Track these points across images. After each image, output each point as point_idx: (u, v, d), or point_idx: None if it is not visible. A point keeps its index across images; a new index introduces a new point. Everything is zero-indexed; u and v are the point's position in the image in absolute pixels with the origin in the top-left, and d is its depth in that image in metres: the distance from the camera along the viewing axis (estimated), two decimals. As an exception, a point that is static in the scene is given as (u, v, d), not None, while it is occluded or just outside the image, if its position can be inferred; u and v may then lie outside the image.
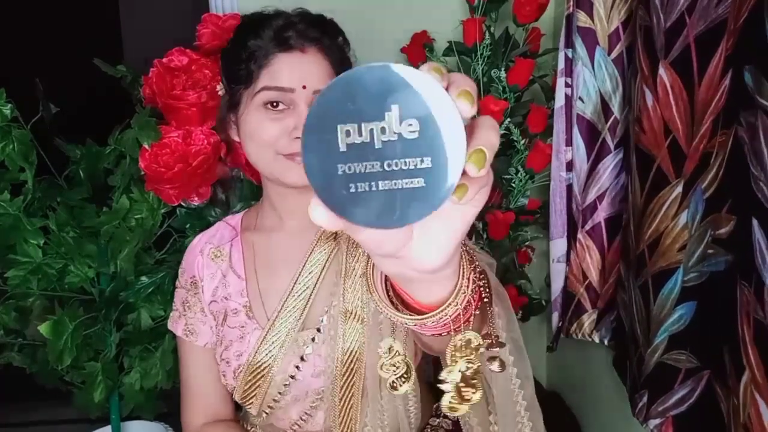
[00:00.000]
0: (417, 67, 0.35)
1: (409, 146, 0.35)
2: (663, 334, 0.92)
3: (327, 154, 0.35)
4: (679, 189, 0.88)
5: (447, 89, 0.35)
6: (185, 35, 1.30)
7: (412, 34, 1.43)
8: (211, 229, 1.07)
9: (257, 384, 0.94)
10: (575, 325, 1.25)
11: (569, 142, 1.19)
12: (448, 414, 0.49)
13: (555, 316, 1.29)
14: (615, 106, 1.12)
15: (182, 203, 1.20)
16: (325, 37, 0.89)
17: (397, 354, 0.53)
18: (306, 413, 0.96)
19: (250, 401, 0.96)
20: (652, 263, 0.93)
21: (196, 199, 1.19)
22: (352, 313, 0.90)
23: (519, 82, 1.33)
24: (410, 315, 0.48)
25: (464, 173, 0.35)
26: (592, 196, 1.17)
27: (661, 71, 0.88)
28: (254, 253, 1.00)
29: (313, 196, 0.36)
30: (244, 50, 0.88)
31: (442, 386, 0.47)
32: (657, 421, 0.94)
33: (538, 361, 1.66)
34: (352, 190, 0.35)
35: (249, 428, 1.08)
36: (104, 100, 1.69)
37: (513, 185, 1.38)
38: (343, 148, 0.35)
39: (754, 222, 0.72)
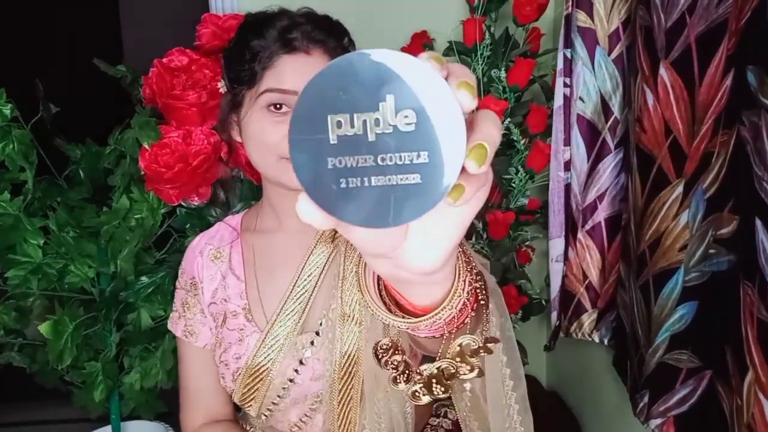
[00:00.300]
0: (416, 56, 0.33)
1: (404, 140, 0.32)
2: (664, 334, 0.92)
3: (317, 147, 0.32)
4: (680, 189, 0.88)
5: (446, 80, 0.33)
6: (185, 35, 1.30)
7: (412, 34, 1.43)
8: (211, 229, 1.06)
9: (256, 387, 0.94)
10: (575, 324, 1.25)
11: (567, 142, 1.19)
12: (411, 401, 0.48)
13: (554, 316, 1.29)
14: (615, 106, 1.12)
15: (182, 203, 1.20)
16: (331, 38, 0.87)
17: (395, 352, 0.50)
18: (306, 415, 0.95)
19: (249, 404, 0.95)
20: (652, 263, 0.93)
21: (196, 199, 1.19)
22: (349, 316, 0.90)
23: (519, 82, 1.33)
24: (403, 318, 0.45)
25: (463, 170, 0.32)
26: (592, 195, 1.17)
27: (662, 71, 0.88)
28: (254, 255, 0.99)
29: (302, 192, 0.33)
30: (248, 50, 0.86)
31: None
32: (658, 421, 0.94)
33: (538, 361, 1.66)
34: (343, 185, 0.33)
35: (249, 429, 1.08)
36: (104, 100, 1.69)
37: (513, 185, 1.38)
38: (333, 140, 0.32)
39: (758, 222, 0.72)
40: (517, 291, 1.41)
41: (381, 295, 0.48)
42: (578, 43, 1.13)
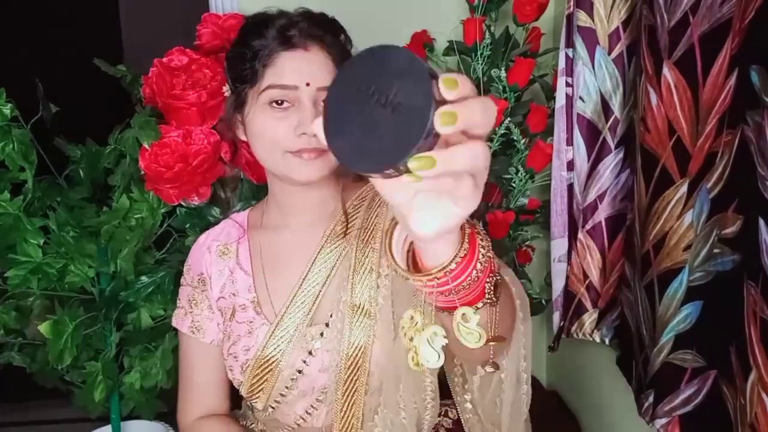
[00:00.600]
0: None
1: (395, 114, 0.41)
2: (669, 334, 0.91)
3: (345, 95, 0.43)
4: (684, 189, 0.88)
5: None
6: (185, 35, 1.30)
7: (412, 34, 1.43)
8: (216, 227, 1.08)
9: (264, 378, 0.95)
10: (576, 324, 1.25)
11: (570, 142, 1.19)
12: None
13: (556, 316, 1.29)
14: (615, 105, 1.12)
15: (182, 203, 1.20)
16: (328, 35, 0.91)
17: (417, 323, 0.56)
18: (312, 407, 0.96)
19: (257, 396, 0.96)
20: (657, 263, 0.93)
21: (196, 198, 1.19)
22: (359, 307, 0.91)
23: (519, 82, 1.33)
24: (417, 273, 0.54)
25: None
26: (592, 195, 1.17)
27: (665, 71, 0.88)
28: (261, 251, 1.01)
29: (317, 119, 0.44)
30: (249, 50, 0.90)
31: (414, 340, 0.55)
32: (663, 420, 0.94)
33: (538, 361, 1.66)
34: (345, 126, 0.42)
35: (249, 424, 1.08)
36: (104, 100, 1.69)
37: (513, 185, 1.37)
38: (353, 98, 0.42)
39: (761, 222, 0.72)
40: (518, 291, 1.41)
41: (407, 258, 0.57)
42: (578, 42, 1.13)
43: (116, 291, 1.21)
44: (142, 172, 1.16)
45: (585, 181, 1.18)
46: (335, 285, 0.94)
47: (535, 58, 1.36)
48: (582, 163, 1.18)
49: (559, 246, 1.25)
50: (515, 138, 1.34)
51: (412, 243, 0.57)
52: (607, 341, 1.21)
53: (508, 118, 1.33)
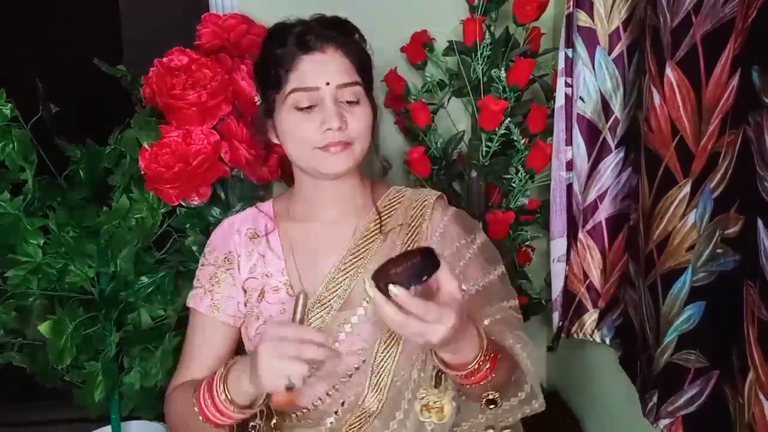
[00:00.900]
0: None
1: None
2: (672, 334, 0.91)
3: None
4: (687, 189, 0.88)
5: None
6: (185, 35, 1.30)
7: (412, 34, 1.43)
8: (242, 213, 1.10)
9: None
10: (576, 324, 1.25)
11: (569, 142, 1.19)
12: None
13: (555, 316, 1.29)
14: (616, 105, 1.12)
15: (182, 203, 1.20)
16: (341, 35, 0.97)
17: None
18: (335, 389, 0.99)
19: None
20: (660, 263, 0.93)
21: (196, 198, 1.19)
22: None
23: (519, 82, 1.33)
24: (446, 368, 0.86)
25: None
26: (592, 195, 1.17)
27: (668, 71, 0.88)
28: (290, 241, 1.05)
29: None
30: (273, 58, 0.97)
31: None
32: (667, 421, 0.94)
33: (539, 361, 1.66)
34: None
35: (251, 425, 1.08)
36: (104, 100, 1.69)
37: (513, 185, 1.38)
38: None
39: (759, 222, 0.72)
40: (517, 291, 1.41)
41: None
42: (578, 42, 1.13)
43: (116, 291, 1.22)
44: (142, 172, 1.16)
45: (585, 181, 1.18)
46: (370, 274, 0.98)
47: (535, 58, 1.36)
48: (582, 163, 1.18)
49: (558, 246, 1.25)
50: (515, 138, 1.34)
51: None
52: (607, 341, 1.21)
53: (508, 118, 1.33)
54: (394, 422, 0.96)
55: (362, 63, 0.98)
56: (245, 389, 0.88)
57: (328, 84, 0.94)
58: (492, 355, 0.86)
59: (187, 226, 1.25)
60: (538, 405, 0.96)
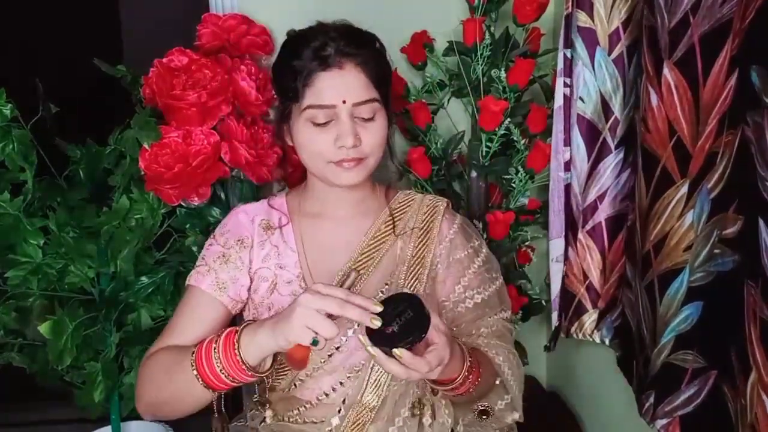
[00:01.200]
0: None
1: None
2: (669, 334, 0.91)
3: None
4: (685, 189, 0.88)
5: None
6: (185, 35, 1.30)
7: (412, 34, 1.43)
8: (255, 204, 1.09)
9: None
10: (576, 325, 1.25)
11: (567, 142, 1.19)
12: None
13: (554, 316, 1.29)
14: (615, 105, 1.12)
15: (182, 203, 1.20)
16: (361, 51, 0.96)
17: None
18: (340, 383, 0.99)
19: (287, 369, 0.99)
20: (657, 263, 0.93)
21: (196, 199, 1.20)
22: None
23: (519, 82, 1.33)
24: (440, 385, 0.93)
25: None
26: (592, 195, 1.17)
27: (666, 71, 0.88)
28: (303, 236, 1.05)
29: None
30: (289, 69, 0.97)
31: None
32: (664, 421, 0.94)
33: (538, 361, 1.66)
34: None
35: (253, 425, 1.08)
36: (104, 100, 1.69)
37: (513, 185, 1.38)
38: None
39: (761, 222, 0.72)
40: (517, 291, 1.41)
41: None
42: (578, 43, 1.13)
43: (116, 291, 1.22)
44: (142, 173, 1.16)
45: (585, 182, 1.18)
46: (381, 272, 1.02)
47: (534, 58, 1.36)
48: (582, 164, 1.18)
49: (556, 246, 1.26)
50: (515, 138, 1.34)
51: None
52: (607, 342, 1.21)
53: (508, 119, 1.33)
54: (395, 422, 0.98)
55: (380, 76, 0.97)
56: (259, 341, 0.85)
57: (344, 102, 0.94)
58: (474, 368, 0.92)
59: (187, 226, 1.25)
60: (518, 416, 1.03)
